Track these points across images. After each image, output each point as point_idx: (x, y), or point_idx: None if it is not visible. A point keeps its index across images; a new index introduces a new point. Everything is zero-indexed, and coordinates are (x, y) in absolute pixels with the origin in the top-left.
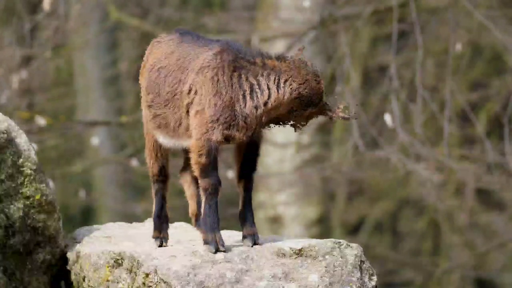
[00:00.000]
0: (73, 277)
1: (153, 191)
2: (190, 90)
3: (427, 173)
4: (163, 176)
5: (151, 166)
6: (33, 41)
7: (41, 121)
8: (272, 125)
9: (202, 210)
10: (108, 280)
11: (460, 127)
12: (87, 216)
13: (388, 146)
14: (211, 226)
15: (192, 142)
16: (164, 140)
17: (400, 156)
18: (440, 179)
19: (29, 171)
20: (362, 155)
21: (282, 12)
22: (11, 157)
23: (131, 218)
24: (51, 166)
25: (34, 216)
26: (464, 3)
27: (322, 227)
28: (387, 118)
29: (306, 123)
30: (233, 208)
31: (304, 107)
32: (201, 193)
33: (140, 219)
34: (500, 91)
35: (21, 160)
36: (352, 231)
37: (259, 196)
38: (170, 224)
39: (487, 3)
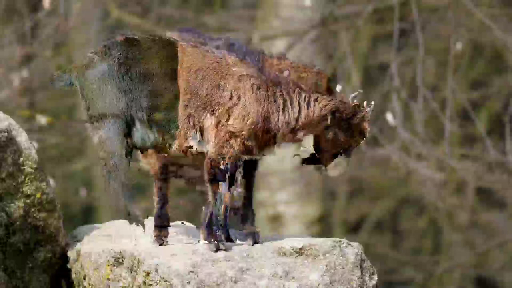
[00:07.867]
0: (73, 275)
1: (155, 190)
2: (231, 96)
3: (428, 172)
4: (164, 174)
5: (153, 164)
6: (34, 39)
7: (42, 119)
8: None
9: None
10: (108, 279)
11: (461, 126)
12: (88, 215)
13: (389, 145)
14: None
15: (220, 146)
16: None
17: (401, 155)
18: (441, 178)
19: (29, 170)
20: (363, 153)
21: (282, 10)
22: (11, 155)
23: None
24: (52, 164)
25: (34, 215)
26: (465, 1)
27: (322, 226)
28: (389, 116)
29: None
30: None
31: (340, 122)
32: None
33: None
34: (501, 90)
35: (21, 158)
36: (353, 229)
37: (260, 195)
38: (170, 223)
39: (488, 2)
